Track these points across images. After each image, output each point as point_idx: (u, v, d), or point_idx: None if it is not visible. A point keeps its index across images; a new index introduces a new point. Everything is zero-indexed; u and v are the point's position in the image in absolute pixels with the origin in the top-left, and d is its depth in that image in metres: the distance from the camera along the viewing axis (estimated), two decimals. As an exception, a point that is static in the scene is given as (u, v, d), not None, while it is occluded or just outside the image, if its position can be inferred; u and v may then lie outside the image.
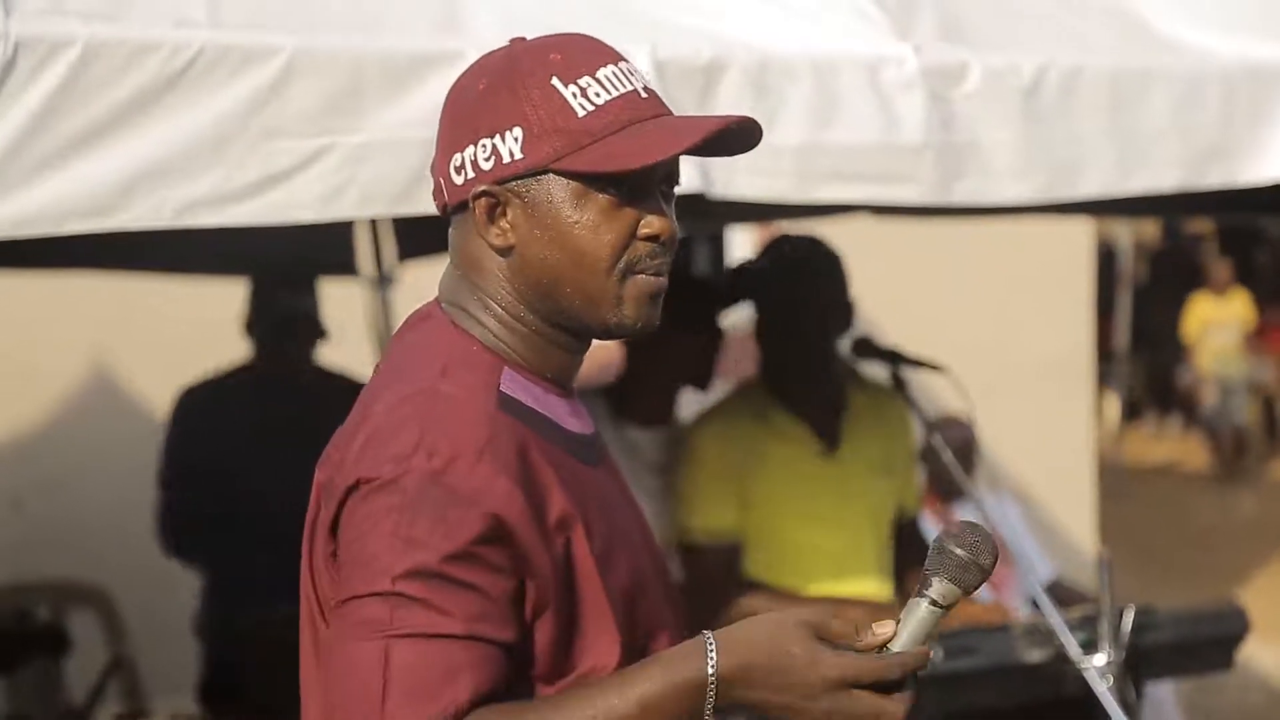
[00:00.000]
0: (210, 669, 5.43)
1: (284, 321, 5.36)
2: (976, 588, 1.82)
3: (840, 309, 3.90)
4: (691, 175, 2.92)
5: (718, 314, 4.04)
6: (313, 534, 1.88)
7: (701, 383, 4.04)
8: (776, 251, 3.96)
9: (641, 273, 1.88)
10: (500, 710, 1.73)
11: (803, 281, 3.86)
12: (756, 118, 1.94)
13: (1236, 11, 3.66)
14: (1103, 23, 3.57)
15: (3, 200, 2.56)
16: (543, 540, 1.80)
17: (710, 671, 1.74)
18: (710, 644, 1.75)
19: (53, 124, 2.57)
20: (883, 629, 1.79)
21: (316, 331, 5.41)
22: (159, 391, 7.10)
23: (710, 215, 4.01)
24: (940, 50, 3.26)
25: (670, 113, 1.92)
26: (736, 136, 1.93)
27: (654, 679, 1.75)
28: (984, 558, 1.80)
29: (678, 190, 1.96)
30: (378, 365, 1.96)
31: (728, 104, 2.98)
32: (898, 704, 1.76)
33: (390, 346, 1.97)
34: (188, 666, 5.62)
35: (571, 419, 1.94)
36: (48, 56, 2.57)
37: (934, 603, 1.80)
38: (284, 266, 5.34)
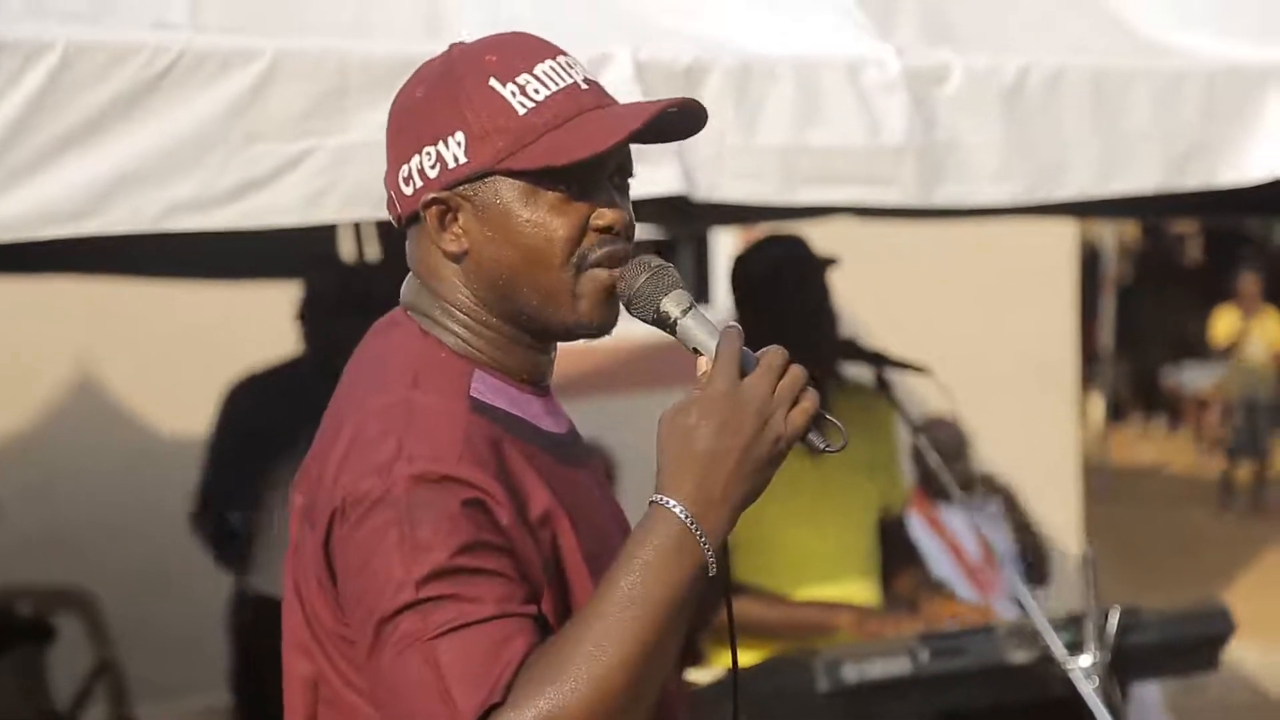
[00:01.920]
0: (243, 659, 5.41)
1: (334, 306, 5.36)
2: (677, 276, 1.86)
3: (823, 311, 3.88)
4: (675, 178, 2.91)
5: None
6: (297, 559, 1.86)
7: None
8: (759, 254, 3.95)
9: (597, 265, 1.86)
10: (542, 647, 1.73)
11: (784, 284, 3.85)
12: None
13: (1220, 12, 3.66)
14: (1085, 24, 3.57)
15: (-18, 204, 2.56)
16: (528, 534, 1.80)
17: (682, 516, 1.74)
18: (662, 500, 1.76)
19: (32, 128, 2.56)
20: (701, 366, 1.81)
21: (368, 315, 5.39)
22: (144, 396, 7.10)
23: (694, 217, 4.01)
24: (922, 51, 3.25)
25: (615, 102, 1.91)
26: (682, 119, 1.92)
27: (649, 547, 1.74)
28: (651, 262, 1.85)
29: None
30: (345, 370, 1.94)
31: (709, 106, 2.97)
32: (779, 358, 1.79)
33: (357, 353, 1.95)
34: (175, 672, 5.60)
35: (548, 419, 1.94)
36: (28, 60, 2.56)
37: (684, 314, 1.84)
38: (264, 270, 5.32)
